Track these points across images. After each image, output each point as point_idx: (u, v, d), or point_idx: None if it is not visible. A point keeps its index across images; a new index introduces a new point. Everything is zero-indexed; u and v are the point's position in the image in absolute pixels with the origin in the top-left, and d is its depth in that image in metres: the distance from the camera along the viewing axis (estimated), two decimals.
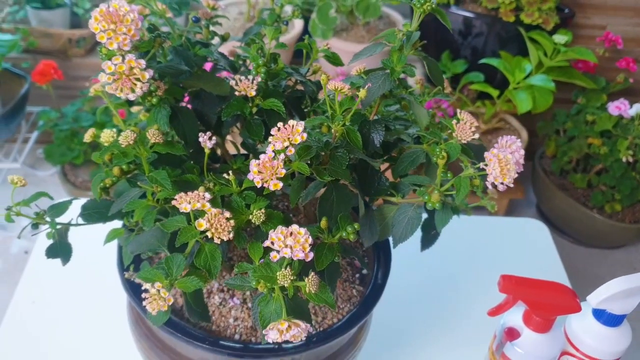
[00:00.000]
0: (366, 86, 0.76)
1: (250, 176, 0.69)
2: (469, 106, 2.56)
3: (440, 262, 1.43)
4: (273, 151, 0.69)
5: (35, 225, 0.82)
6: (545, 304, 1.06)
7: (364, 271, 1.01)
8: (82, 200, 0.86)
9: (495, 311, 1.11)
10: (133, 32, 0.67)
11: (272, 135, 0.70)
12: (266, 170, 0.68)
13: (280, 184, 0.67)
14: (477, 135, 0.83)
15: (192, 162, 0.89)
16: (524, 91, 2.31)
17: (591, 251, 2.83)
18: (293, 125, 0.69)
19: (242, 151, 1.03)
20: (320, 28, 2.50)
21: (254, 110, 0.87)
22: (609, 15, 2.81)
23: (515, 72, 2.34)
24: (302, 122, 0.69)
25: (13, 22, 2.65)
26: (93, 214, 0.84)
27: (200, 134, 0.79)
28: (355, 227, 0.73)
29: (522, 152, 0.80)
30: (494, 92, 2.43)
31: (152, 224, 0.75)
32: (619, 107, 2.44)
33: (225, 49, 1.09)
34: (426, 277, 1.38)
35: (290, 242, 0.63)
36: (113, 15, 0.66)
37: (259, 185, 0.68)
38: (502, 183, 0.78)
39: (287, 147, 0.68)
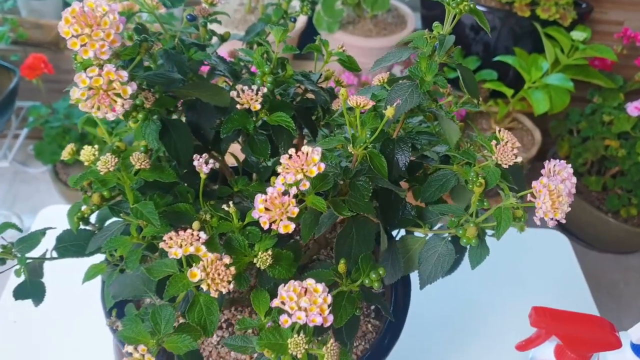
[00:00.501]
0: (395, 103, 0.64)
1: (255, 214, 0.57)
2: (481, 105, 2.43)
3: (459, 280, 1.32)
4: (283, 184, 0.57)
5: (1, 260, 0.70)
6: (581, 339, 0.95)
7: None
8: (57, 231, 0.74)
9: (525, 346, 1.00)
10: (112, 38, 0.54)
11: (282, 164, 0.57)
12: (275, 208, 0.55)
13: (292, 226, 0.55)
14: (520, 159, 0.71)
15: (185, 184, 0.77)
16: (541, 91, 2.18)
17: (604, 256, 2.72)
18: (307, 153, 0.57)
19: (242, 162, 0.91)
20: (325, 21, 2.36)
21: (259, 123, 0.75)
22: (626, 10, 2.67)
23: (531, 70, 2.21)
24: (319, 149, 0.57)
25: (1, 12, 2.51)
26: (69, 247, 0.71)
27: (195, 156, 0.67)
28: (381, 272, 0.61)
29: (574, 180, 0.68)
30: (509, 92, 2.30)
31: (136, 266, 0.62)
32: (638, 108, 2.31)
33: (224, 47, 0.97)
34: (444, 298, 1.26)
35: (305, 303, 0.51)
36: (88, 17, 0.53)
37: (265, 227, 0.56)
38: (552, 218, 0.66)
39: (300, 180, 0.56)
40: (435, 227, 0.75)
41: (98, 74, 0.54)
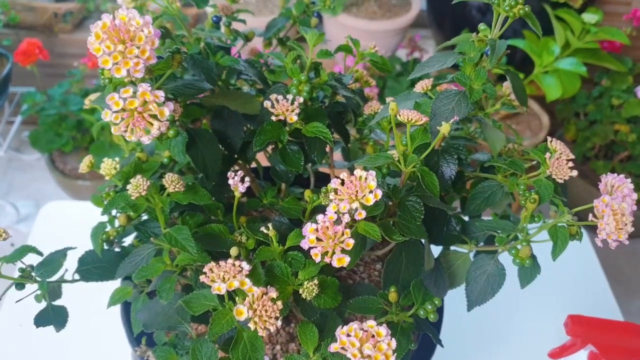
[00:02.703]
0: (452, 120, 0.59)
1: (304, 244, 0.52)
2: (507, 95, 2.37)
3: None
4: (336, 212, 0.52)
5: (20, 286, 0.65)
6: (619, 348, 0.92)
7: None
8: (80, 251, 0.69)
9: (559, 353, 0.97)
10: (148, 54, 0.49)
11: (333, 190, 0.53)
12: (327, 239, 0.51)
13: (347, 259, 0.51)
14: (575, 173, 0.66)
15: (213, 198, 0.72)
16: (552, 76, 2.13)
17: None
18: (362, 178, 0.52)
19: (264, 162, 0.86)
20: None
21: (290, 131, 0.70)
22: None
23: (542, 54, 2.16)
24: (373, 174, 0.52)
25: None
26: (93, 270, 0.66)
27: (230, 174, 0.62)
28: (437, 302, 0.57)
29: (635, 196, 0.64)
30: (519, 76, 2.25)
31: (170, 296, 0.58)
32: None
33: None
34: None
35: (370, 350, 0.46)
36: (121, 32, 0.48)
37: (317, 259, 0.51)
38: (615, 240, 0.61)
39: (355, 209, 0.51)
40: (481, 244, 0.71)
41: (132, 95, 0.49)
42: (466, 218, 0.76)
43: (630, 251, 2.69)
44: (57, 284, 0.69)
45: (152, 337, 0.69)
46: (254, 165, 0.94)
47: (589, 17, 2.12)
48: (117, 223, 0.64)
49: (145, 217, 0.67)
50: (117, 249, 0.71)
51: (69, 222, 1.36)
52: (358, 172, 0.52)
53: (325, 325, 0.57)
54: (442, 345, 0.65)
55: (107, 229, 0.65)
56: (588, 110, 2.52)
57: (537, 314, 1.19)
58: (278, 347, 0.82)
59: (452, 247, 0.74)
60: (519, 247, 0.66)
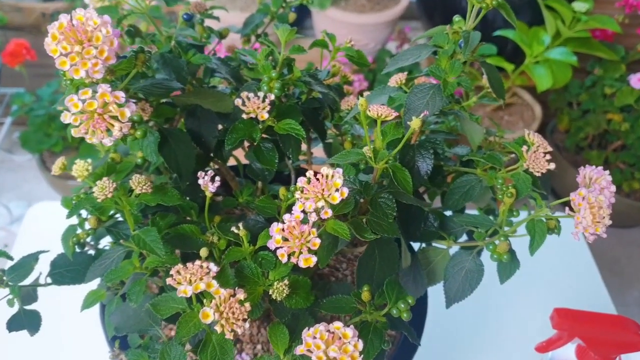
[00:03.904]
0: (422, 115, 0.58)
1: (271, 245, 0.51)
2: (479, 80, 2.36)
3: None
4: (302, 211, 0.51)
5: None
6: (605, 340, 0.91)
7: None
8: (52, 255, 0.68)
9: (545, 347, 0.96)
10: (106, 55, 0.48)
11: (299, 189, 0.52)
12: (293, 239, 0.50)
13: (314, 259, 0.50)
14: (552, 166, 0.65)
15: (187, 198, 0.71)
16: (542, 66, 2.11)
17: (607, 231, 2.69)
18: (328, 176, 0.51)
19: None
20: None
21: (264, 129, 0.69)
22: None
23: (532, 44, 2.14)
24: (340, 171, 0.51)
25: None
26: (65, 273, 0.65)
27: (200, 173, 0.61)
28: (410, 301, 0.56)
29: (613, 188, 0.63)
30: (509, 67, 2.23)
31: (140, 299, 0.57)
32: None
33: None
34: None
35: (335, 353, 0.46)
36: (78, 32, 0.47)
37: (283, 259, 0.50)
38: (592, 233, 0.60)
39: (321, 207, 0.50)
40: (460, 239, 0.70)
41: (92, 97, 0.48)
42: (449, 213, 0.75)
43: (626, 241, 2.69)
44: (32, 287, 0.69)
45: (126, 339, 0.68)
46: (234, 163, 0.93)
47: (580, 5, 2.11)
48: (87, 225, 0.63)
49: (120, 218, 0.66)
50: (91, 252, 0.70)
51: (57, 223, 1.35)
52: (324, 170, 0.51)
53: (298, 326, 0.56)
54: (419, 344, 0.64)
55: (78, 232, 0.64)
56: (581, 99, 2.51)
57: (525, 307, 1.18)
58: (259, 346, 0.81)
59: (432, 244, 0.73)
60: (496, 242, 0.65)
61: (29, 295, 0.69)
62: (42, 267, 0.70)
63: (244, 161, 0.87)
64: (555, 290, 1.23)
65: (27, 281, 0.67)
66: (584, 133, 2.45)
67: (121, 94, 0.48)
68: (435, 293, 0.79)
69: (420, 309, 0.83)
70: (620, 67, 2.44)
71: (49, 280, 0.67)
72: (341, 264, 0.92)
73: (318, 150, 0.90)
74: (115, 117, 0.49)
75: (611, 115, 2.34)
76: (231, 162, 0.91)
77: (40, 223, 1.41)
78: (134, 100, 0.55)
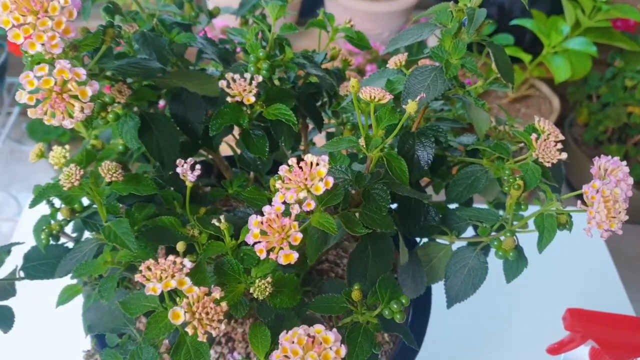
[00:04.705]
0: (418, 97, 0.52)
1: (249, 239, 0.46)
2: (496, 72, 2.29)
3: None
4: (283, 203, 0.46)
5: None
6: (621, 343, 0.86)
7: None
8: (25, 247, 0.63)
9: (557, 349, 0.91)
10: (65, 27, 0.43)
11: (280, 178, 0.47)
12: (273, 233, 0.45)
13: (295, 255, 0.45)
14: (564, 155, 0.60)
15: (172, 188, 0.66)
16: (561, 56, 2.04)
17: (624, 227, 2.60)
18: (312, 164, 0.46)
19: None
20: None
21: (255, 115, 0.64)
22: None
23: (551, 34, 2.07)
24: (325, 159, 0.46)
25: None
26: (39, 267, 0.61)
27: (179, 161, 0.56)
28: (404, 301, 0.51)
29: (631, 180, 0.57)
30: (526, 57, 2.16)
31: (112, 296, 0.52)
32: None
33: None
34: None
35: (314, 358, 0.41)
36: (31, 1, 0.42)
37: (262, 255, 0.45)
38: (607, 230, 0.55)
39: (304, 198, 0.45)
40: (463, 235, 0.65)
41: (48, 73, 0.43)
42: (453, 206, 0.70)
43: None
44: (8, 282, 0.65)
45: (104, 339, 0.64)
46: (231, 153, 0.88)
47: None
48: (60, 216, 0.59)
49: (95, 207, 0.62)
50: (70, 244, 0.66)
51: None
52: (308, 157, 0.46)
53: (282, 328, 0.51)
54: (416, 348, 0.59)
55: (51, 223, 0.60)
56: (600, 92, 2.43)
57: (536, 307, 1.12)
58: None
59: (434, 240, 0.68)
60: (502, 238, 0.60)
61: (4, 290, 0.65)
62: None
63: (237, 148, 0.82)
64: (568, 289, 1.17)
65: (2, 275, 0.62)
66: (603, 126, 2.37)
67: (82, 71, 0.44)
68: (439, 291, 0.74)
69: (423, 308, 0.77)
70: None
71: (22, 274, 0.62)
72: (342, 259, 0.88)
73: (321, 140, 0.85)
74: (75, 97, 0.44)
75: (632, 108, 2.26)
76: (228, 152, 0.87)
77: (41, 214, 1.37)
78: (106, 82, 0.51)
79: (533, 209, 0.65)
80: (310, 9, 2.54)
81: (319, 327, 0.43)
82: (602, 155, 0.59)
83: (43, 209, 1.36)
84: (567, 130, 2.58)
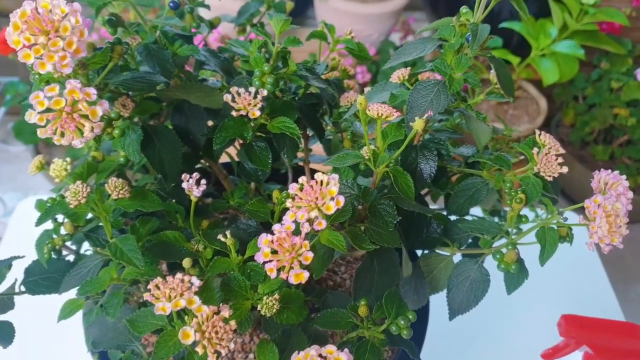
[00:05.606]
0: (425, 115, 0.53)
1: (259, 258, 0.46)
2: (484, 73, 2.30)
3: None
4: (293, 222, 0.46)
5: None
6: (615, 349, 0.87)
7: None
8: (27, 261, 0.63)
9: (551, 354, 0.92)
10: (76, 47, 0.43)
11: (290, 197, 0.47)
12: (284, 252, 0.45)
13: (306, 275, 0.45)
14: (565, 169, 0.61)
15: (173, 200, 0.66)
16: (549, 59, 2.06)
17: None
18: (323, 183, 0.46)
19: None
20: None
21: (257, 127, 0.64)
22: None
23: (539, 37, 2.09)
24: (336, 178, 0.46)
25: None
26: (40, 281, 0.61)
27: (184, 176, 0.56)
28: (410, 317, 0.51)
29: (630, 194, 0.58)
30: (515, 60, 2.18)
31: (118, 313, 0.52)
32: None
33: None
34: None
35: None
36: (43, 21, 0.42)
37: (272, 275, 0.45)
38: (608, 244, 0.56)
39: (315, 218, 0.45)
40: (464, 247, 0.65)
41: (59, 94, 0.43)
42: (453, 218, 0.70)
43: (630, 237, 2.63)
44: (7, 296, 0.64)
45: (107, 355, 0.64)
46: (228, 160, 0.88)
47: None
48: (63, 231, 0.59)
49: (101, 223, 0.62)
50: (70, 257, 0.65)
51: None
52: (319, 175, 0.46)
53: (289, 344, 0.51)
54: (419, 359, 0.60)
55: (54, 237, 0.60)
56: (587, 93, 2.46)
57: (531, 313, 1.13)
58: (252, 355, 0.77)
59: (435, 251, 0.68)
60: (503, 250, 0.60)
61: (3, 303, 0.64)
62: (19, 273, 0.65)
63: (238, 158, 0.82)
64: (563, 295, 1.19)
65: (1, 289, 0.62)
66: (589, 127, 2.40)
67: (92, 91, 0.43)
68: (437, 298, 0.75)
69: (421, 317, 0.78)
70: (627, 60, 2.39)
71: (23, 289, 0.62)
72: (339, 266, 0.88)
73: (317, 147, 0.85)
74: (85, 116, 0.44)
75: (617, 109, 2.29)
76: (225, 158, 0.87)
77: (32, 217, 1.36)
78: (109, 95, 0.50)
79: (530, 216, 0.66)
80: (300, 10, 2.54)
81: (330, 348, 0.43)
82: (602, 169, 0.60)
83: (31, 207, 1.36)
84: (553, 131, 2.61)
